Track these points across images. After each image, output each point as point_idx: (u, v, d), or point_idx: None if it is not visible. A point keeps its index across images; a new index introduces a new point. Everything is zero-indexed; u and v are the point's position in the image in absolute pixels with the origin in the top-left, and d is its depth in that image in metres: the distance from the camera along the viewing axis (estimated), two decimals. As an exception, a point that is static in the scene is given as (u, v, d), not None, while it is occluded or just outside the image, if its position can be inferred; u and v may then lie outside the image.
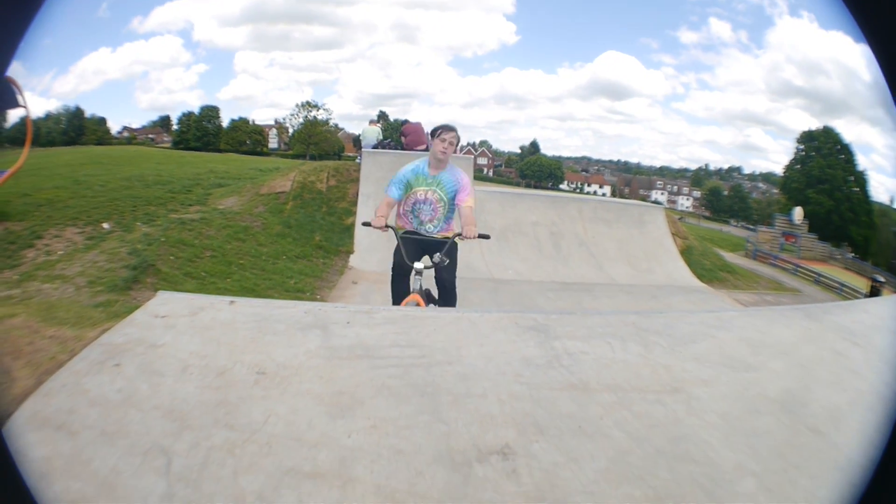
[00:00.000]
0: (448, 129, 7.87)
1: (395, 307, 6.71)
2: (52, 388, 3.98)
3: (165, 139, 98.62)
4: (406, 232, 8.20)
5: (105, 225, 14.92)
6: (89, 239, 13.97)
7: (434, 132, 8.03)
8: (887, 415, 2.64)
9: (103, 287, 10.65)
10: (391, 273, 8.34)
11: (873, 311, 8.24)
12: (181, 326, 5.03)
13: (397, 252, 8.00)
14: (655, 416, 4.51)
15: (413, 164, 8.20)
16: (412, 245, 8.00)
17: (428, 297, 7.99)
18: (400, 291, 8.19)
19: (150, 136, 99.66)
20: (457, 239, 7.71)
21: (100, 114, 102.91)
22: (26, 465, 2.65)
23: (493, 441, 3.89)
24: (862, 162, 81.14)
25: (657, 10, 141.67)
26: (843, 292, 31.25)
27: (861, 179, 76.40)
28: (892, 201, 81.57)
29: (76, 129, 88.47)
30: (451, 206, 8.08)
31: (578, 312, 7.32)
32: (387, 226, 7.65)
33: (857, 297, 29.10)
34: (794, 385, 5.39)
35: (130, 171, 23.99)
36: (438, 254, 7.53)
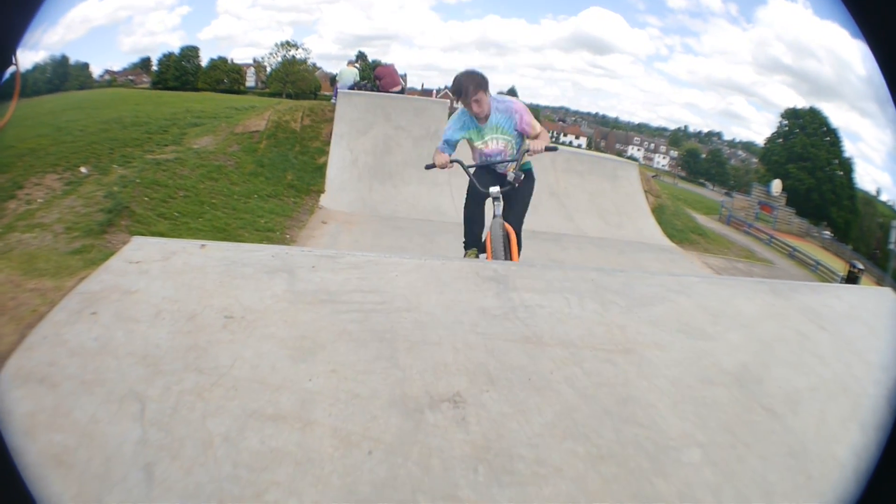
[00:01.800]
0: (471, 86, 7.65)
1: (359, 252, 6.64)
2: (33, 341, 4.10)
3: (145, 80, 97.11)
4: (476, 165, 8.27)
5: (83, 169, 14.89)
6: (68, 185, 13.94)
7: (459, 93, 7.74)
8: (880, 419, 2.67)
9: (80, 232, 10.71)
10: (465, 201, 8.70)
11: (846, 299, 7.94)
12: (154, 272, 5.16)
13: (471, 185, 8.26)
14: (605, 375, 4.62)
15: (456, 120, 8.18)
16: (484, 174, 8.28)
17: (506, 238, 7.98)
18: (475, 217, 8.61)
19: (131, 77, 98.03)
20: (526, 155, 7.75)
21: (84, 60, 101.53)
22: (10, 424, 2.85)
23: (445, 389, 4.05)
24: (849, 149, 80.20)
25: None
26: (818, 270, 31.08)
27: (846, 165, 75.24)
28: (878, 193, 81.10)
29: (60, 76, 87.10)
30: (520, 137, 8.01)
31: (539, 265, 7.24)
32: (452, 161, 7.94)
33: (832, 278, 29.50)
34: (751, 360, 5.40)
35: (109, 114, 23.69)
36: (511, 173, 7.80)
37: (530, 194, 8.48)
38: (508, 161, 8.02)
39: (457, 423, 3.81)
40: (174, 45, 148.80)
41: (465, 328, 4.93)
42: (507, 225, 7.97)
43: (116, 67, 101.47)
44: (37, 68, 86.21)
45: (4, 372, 3.71)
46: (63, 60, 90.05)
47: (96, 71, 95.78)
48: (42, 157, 15.52)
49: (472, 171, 8.12)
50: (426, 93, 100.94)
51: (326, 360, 4.18)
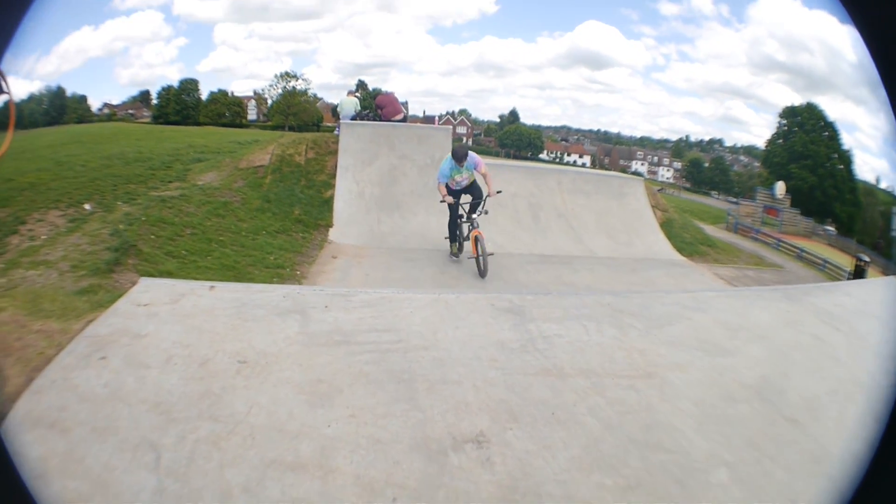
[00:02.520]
0: (458, 155, 13.73)
1: (371, 289, 6.77)
2: (42, 385, 4.04)
3: (145, 114, 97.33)
4: (454, 192, 13.93)
5: (86, 206, 14.81)
6: (72, 221, 13.83)
7: (458, 157, 13.67)
8: (878, 406, 2.61)
9: (86, 271, 10.59)
10: (450, 215, 14.43)
11: (856, 295, 8.20)
12: (163, 315, 5.09)
13: (453, 205, 14.04)
14: (628, 403, 4.55)
15: (446, 165, 13.68)
16: (457, 195, 13.95)
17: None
18: (454, 220, 14.46)
19: (130, 111, 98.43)
20: (487, 198, 13.95)
21: (81, 92, 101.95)
22: (25, 465, 2.75)
23: (468, 429, 3.97)
24: (847, 140, 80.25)
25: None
26: (826, 269, 30.77)
27: (846, 158, 75.15)
28: (878, 181, 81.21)
29: (58, 108, 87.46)
30: (472, 173, 13.94)
31: (554, 293, 7.26)
32: (450, 195, 13.80)
33: (840, 275, 29.35)
34: (770, 372, 5.39)
35: (111, 149, 23.64)
36: (479, 207, 13.95)
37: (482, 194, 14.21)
38: (473, 199, 14.25)
39: (482, 464, 3.72)
40: (173, 77, 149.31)
41: (484, 364, 4.85)
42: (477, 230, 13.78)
43: (115, 101, 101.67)
44: (32, 98, 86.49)
45: (14, 414, 3.64)
46: (59, 92, 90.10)
47: (95, 104, 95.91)
48: (43, 193, 15.42)
49: (451, 198, 13.88)
50: (428, 119, 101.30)
51: (345, 405, 4.09)
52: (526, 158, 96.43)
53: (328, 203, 17.93)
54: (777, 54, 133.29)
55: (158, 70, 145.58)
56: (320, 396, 4.14)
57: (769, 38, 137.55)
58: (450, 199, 13.64)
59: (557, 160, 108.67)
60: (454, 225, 14.56)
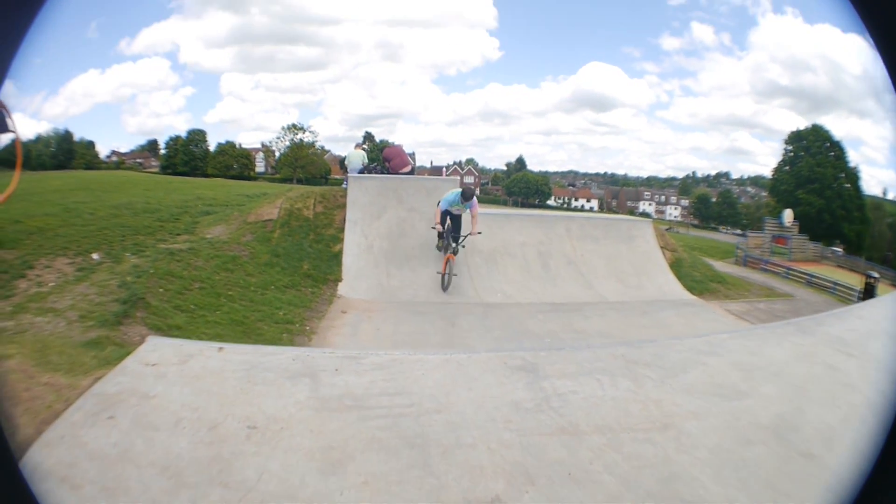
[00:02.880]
0: (465, 196, 16.84)
1: (382, 350, 6.73)
2: (51, 438, 4.03)
3: (153, 163, 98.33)
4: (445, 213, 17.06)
5: (94, 256, 14.80)
6: (80, 270, 13.85)
7: (466, 196, 16.78)
8: (882, 422, 2.57)
9: (94, 322, 10.56)
10: (444, 225, 17.17)
11: (868, 316, 8.30)
12: (172, 376, 5.06)
13: (444, 221, 17.11)
14: (645, 457, 4.49)
15: (452, 196, 16.86)
16: (445, 216, 17.02)
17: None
18: (445, 229, 17.25)
19: (139, 160, 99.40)
20: (470, 235, 17.07)
21: (89, 137, 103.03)
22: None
23: (484, 494, 3.90)
24: (853, 157, 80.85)
25: (638, 18, 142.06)
26: (836, 292, 30.70)
27: (852, 175, 75.95)
28: (884, 193, 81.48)
29: (65, 152, 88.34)
30: (467, 211, 17.03)
31: (567, 348, 7.24)
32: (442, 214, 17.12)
33: (851, 295, 29.29)
34: (786, 409, 5.36)
35: (119, 199, 23.77)
36: (461, 240, 17.13)
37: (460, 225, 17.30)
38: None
39: (499, 531, 3.66)
40: (180, 127, 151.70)
41: (498, 426, 4.78)
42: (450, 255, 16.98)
43: (124, 149, 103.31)
44: (40, 140, 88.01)
45: (24, 463, 3.53)
46: (67, 136, 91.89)
47: (103, 151, 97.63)
48: (51, 239, 15.44)
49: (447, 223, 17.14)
50: (436, 170, 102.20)
51: (357, 472, 4.03)
52: (534, 206, 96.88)
53: (337, 257, 18.05)
54: (780, 78, 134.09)
55: (166, 119, 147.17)
56: (332, 463, 4.08)
57: (771, 62, 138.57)
58: (440, 227, 17.20)
59: (565, 205, 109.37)
60: (442, 234, 17.57)
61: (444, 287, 16.99)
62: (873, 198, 78.41)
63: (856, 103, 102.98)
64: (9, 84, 2.39)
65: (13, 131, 13.78)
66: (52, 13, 2.45)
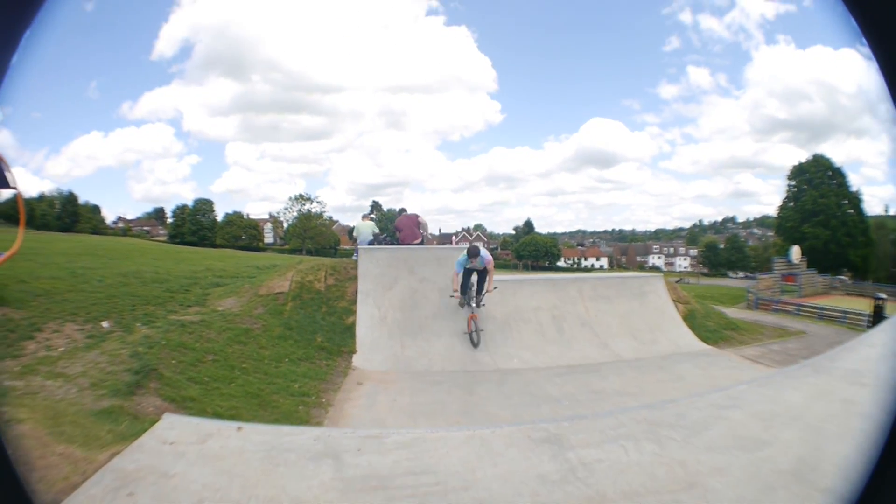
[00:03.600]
0: (471, 253, 17.45)
1: (405, 429, 6.72)
2: None
3: (161, 232, 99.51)
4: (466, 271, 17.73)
5: (104, 324, 14.78)
6: (89, 337, 13.80)
7: (473, 254, 17.42)
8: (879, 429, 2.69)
9: (106, 391, 10.49)
10: (461, 281, 17.85)
11: (879, 342, 8.46)
12: (191, 455, 5.02)
13: (465, 277, 17.86)
14: None
15: (462, 258, 17.56)
16: (469, 273, 17.87)
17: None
18: (466, 286, 18.10)
19: (146, 228, 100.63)
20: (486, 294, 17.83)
21: (93, 201, 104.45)
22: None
23: (517, 571, 3.83)
24: (853, 180, 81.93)
25: (635, 68, 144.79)
26: (846, 321, 31.10)
27: (855, 200, 77.69)
28: (886, 209, 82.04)
29: (70, 215, 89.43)
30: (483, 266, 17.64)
31: (590, 415, 7.22)
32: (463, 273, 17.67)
33: (860, 321, 29.63)
34: (805, 451, 5.44)
35: (127, 266, 23.99)
36: (482, 295, 17.96)
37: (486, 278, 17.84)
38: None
39: None
40: (186, 195, 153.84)
41: (526, 500, 4.73)
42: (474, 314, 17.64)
43: (130, 215, 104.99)
44: (43, 199, 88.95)
45: None
46: (72, 198, 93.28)
47: (109, 216, 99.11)
48: (59, 303, 15.45)
49: (461, 279, 17.77)
50: (444, 237, 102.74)
51: (389, 555, 3.94)
52: (544, 268, 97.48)
53: (350, 329, 18.09)
54: (778, 112, 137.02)
55: (172, 187, 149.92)
56: (362, 553, 4.00)
57: (768, 96, 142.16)
58: (457, 294, 17.80)
59: (575, 266, 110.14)
60: (464, 287, 18.14)
61: (475, 344, 17.45)
62: (876, 217, 79.42)
63: (852, 123, 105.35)
64: (8, 136, 2.36)
65: (14, 187, 13.78)
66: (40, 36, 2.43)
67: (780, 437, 5.82)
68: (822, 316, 32.85)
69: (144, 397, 10.62)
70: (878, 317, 27.85)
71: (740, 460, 5.36)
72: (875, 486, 2.57)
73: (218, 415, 10.09)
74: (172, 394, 10.98)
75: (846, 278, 59.40)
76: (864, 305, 32.77)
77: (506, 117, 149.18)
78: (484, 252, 17.80)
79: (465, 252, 17.61)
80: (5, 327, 13.15)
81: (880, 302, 29.20)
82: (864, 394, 6.45)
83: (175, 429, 5.47)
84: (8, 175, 12.28)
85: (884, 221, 78.98)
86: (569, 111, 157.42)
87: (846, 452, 5.02)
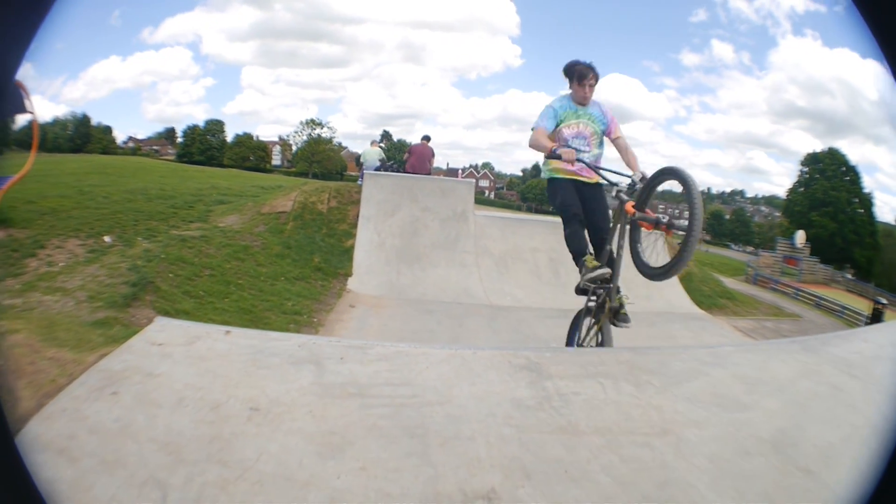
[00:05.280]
0: (588, 69, 7.91)
1: (388, 342, 6.62)
2: (52, 411, 4.06)
3: (170, 151, 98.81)
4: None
5: (106, 238, 14.95)
6: (91, 252, 14.01)
7: (572, 73, 7.95)
8: (883, 445, 2.59)
9: (103, 303, 10.67)
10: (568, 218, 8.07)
11: (873, 340, 8.12)
12: (177, 356, 5.09)
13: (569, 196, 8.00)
14: (643, 460, 4.50)
15: (556, 100, 8.04)
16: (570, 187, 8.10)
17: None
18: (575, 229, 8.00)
19: (155, 147, 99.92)
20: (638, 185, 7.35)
21: (106, 122, 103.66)
22: (40, 478, 2.75)
23: (480, 486, 3.90)
24: (867, 182, 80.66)
25: (659, 34, 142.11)
26: (844, 315, 31.18)
27: (866, 201, 76.45)
28: None
29: (82, 136, 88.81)
30: (602, 139, 8.22)
31: (572, 350, 7.27)
32: (578, 160, 7.59)
33: (858, 320, 29.56)
34: (787, 424, 5.36)
35: (134, 184, 24.10)
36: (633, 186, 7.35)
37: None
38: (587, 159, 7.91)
39: (491, 522, 3.68)
40: (199, 117, 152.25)
41: (498, 421, 4.79)
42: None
43: (141, 135, 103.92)
44: (57, 123, 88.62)
45: (23, 435, 3.62)
46: (85, 120, 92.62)
47: (120, 136, 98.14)
48: (64, 220, 15.64)
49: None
50: (451, 172, 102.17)
51: (356, 457, 4.04)
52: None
53: (348, 252, 18.18)
54: (798, 100, 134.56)
55: (185, 109, 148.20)
56: (331, 448, 4.09)
57: (790, 83, 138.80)
58: (571, 157, 7.41)
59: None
60: (578, 236, 8.07)
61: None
62: (886, 224, 78.30)
63: (872, 129, 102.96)
64: (28, 66, 2.42)
65: (31, 112, 13.80)
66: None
67: (761, 403, 5.78)
68: (820, 305, 32.94)
69: (139, 309, 10.77)
70: (875, 320, 27.49)
71: (719, 418, 5.36)
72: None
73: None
74: (167, 307, 11.16)
75: (849, 275, 59.00)
76: (863, 305, 32.88)
77: (525, 62, 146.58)
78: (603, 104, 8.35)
79: (558, 96, 8.21)
80: (9, 247, 13.28)
81: (880, 306, 28.82)
82: (855, 386, 6.38)
83: (165, 331, 5.52)
84: (27, 102, 12.30)
85: (893, 231, 78.00)
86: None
87: (831, 438, 5.09)
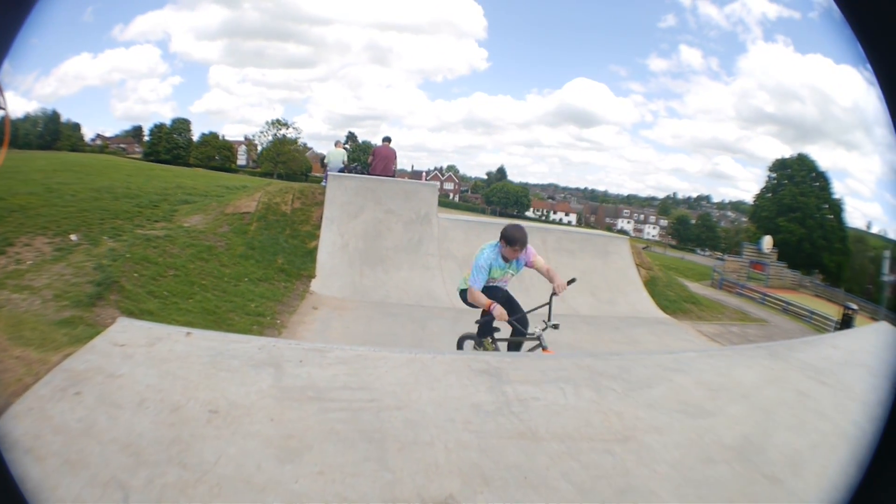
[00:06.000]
0: (521, 241, 8.72)
1: (348, 346, 6.68)
2: (19, 411, 4.10)
3: (137, 149, 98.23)
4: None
5: (73, 237, 14.88)
6: (58, 250, 13.93)
7: (508, 238, 8.74)
8: (858, 452, 2.63)
9: (68, 302, 10.66)
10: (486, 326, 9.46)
11: (843, 346, 8.26)
12: (139, 357, 5.11)
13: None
14: (604, 467, 4.52)
15: (486, 255, 8.95)
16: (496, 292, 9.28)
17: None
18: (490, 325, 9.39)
19: (122, 145, 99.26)
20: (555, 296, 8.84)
21: (76, 119, 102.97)
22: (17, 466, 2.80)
23: (438, 492, 3.93)
24: (837, 188, 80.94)
25: (627, 38, 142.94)
26: (812, 321, 31.05)
27: (836, 207, 76.48)
28: (868, 226, 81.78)
29: (52, 133, 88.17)
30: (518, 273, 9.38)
31: (532, 355, 7.31)
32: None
33: (827, 325, 29.56)
34: (752, 430, 5.38)
35: (101, 182, 23.92)
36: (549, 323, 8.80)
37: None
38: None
39: (448, 529, 3.71)
40: (166, 115, 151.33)
41: (457, 426, 4.82)
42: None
43: (108, 133, 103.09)
44: (28, 119, 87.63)
45: None
46: (55, 116, 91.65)
47: (88, 134, 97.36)
48: (32, 218, 15.53)
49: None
50: (415, 174, 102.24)
51: (314, 461, 4.08)
52: (512, 216, 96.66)
53: (312, 254, 18.17)
54: (766, 106, 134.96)
55: (152, 107, 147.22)
56: (290, 451, 4.13)
57: (759, 89, 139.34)
58: (503, 318, 8.49)
59: (543, 218, 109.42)
60: (488, 328, 9.46)
61: None
62: (856, 230, 78.77)
63: (843, 135, 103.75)
64: (5, 64, 2.44)
65: (3, 109, 13.66)
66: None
67: (725, 410, 5.81)
68: (787, 310, 32.79)
69: (104, 309, 10.76)
70: (845, 326, 27.53)
71: (681, 424, 5.36)
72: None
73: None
74: (131, 306, 11.14)
75: (818, 280, 59.31)
76: (831, 310, 32.84)
77: (491, 65, 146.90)
78: (530, 247, 9.22)
79: (489, 245, 9.16)
80: (-22, 245, 13.23)
81: (850, 312, 28.93)
82: (823, 392, 6.42)
83: (127, 332, 5.52)
84: (0, 99, 12.17)
85: (863, 237, 78.41)
86: (554, 68, 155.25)
87: (798, 445, 5.13)
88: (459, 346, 10.25)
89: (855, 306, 30.78)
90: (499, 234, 8.83)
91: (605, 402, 5.63)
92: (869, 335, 9.35)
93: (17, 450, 3.57)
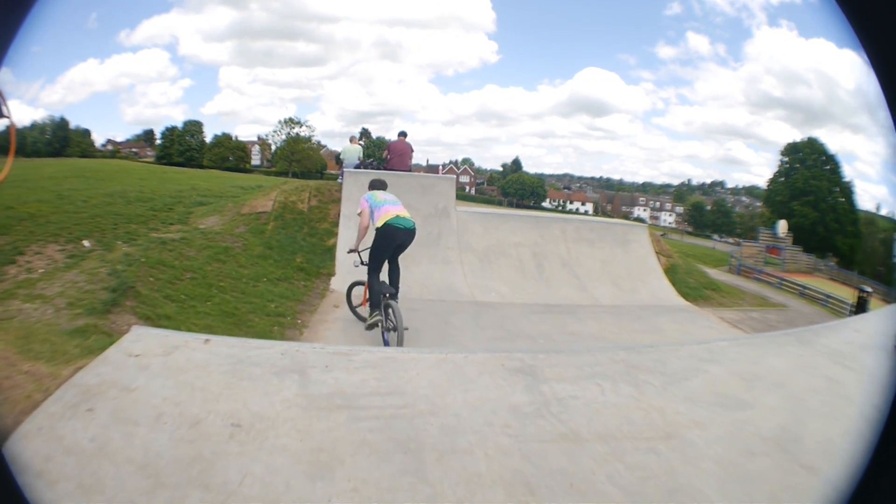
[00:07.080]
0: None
1: (375, 348, 6.56)
2: (28, 430, 3.91)
3: (149, 153, 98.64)
4: None
5: (86, 243, 14.73)
6: (70, 257, 13.77)
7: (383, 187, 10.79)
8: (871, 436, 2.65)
9: (82, 310, 10.44)
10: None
11: (863, 330, 8.25)
12: (155, 368, 4.90)
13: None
14: (650, 467, 4.37)
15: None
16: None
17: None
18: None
19: (134, 149, 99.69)
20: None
21: (85, 125, 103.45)
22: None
23: (481, 504, 3.73)
24: (847, 171, 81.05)
25: (634, 27, 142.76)
26: (828, 304, 31.14)
27: (847, 189, 76.62)
28: (878, 209, 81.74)
29: (61, 140, 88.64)
30: None
31: (566, 350, 7.14)
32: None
33: (843, 308, 29.64)
34: (787, 420, 5.29)
35: (113, 187, 23.80)
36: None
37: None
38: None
39: (496, 546, 3.49)
40: (177, 118, 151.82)
41: (496, 430, 4.60)
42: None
43: (119, 138, 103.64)
44: (35, 127, 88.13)
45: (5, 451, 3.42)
46: (63, 123, 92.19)
47: (98, 139, 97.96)
48: (43, 225, 15.40)
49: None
50: (431, 168, 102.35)
51: (346, 477, 3.83)
52: (529, 207, 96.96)
53: (331, 251, 17.98)
54: (774, 90, 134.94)
55: (163, 110, 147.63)
56: (320, 467, 3.89)
57: (766, 74, 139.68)
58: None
59: (560, 208, 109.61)
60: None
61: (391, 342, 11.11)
62: (867, 213, 78.72)
63: (849, 118, 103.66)
64: (5, 71, 2.29)
65: (8, 117, 13.59)
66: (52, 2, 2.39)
67: (761, 400, 5.75)
68: (804, 294, 32.88)
69: (120, 315, 10.56)
70: (860, 308, 27.41)
71: (721, 417, 5.28)
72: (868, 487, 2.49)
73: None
74: (148, 312, 10.94)
75: (833, 263, 59.29)
76: (847, 294, 32.75)
77: (502, 58, 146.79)
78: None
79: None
80: (-12, 254, 13.10)
81: (865, 295, 28.71)
82: (849, 378, 6.44)
83: (142, 341, 5.35)
84: (4, 107, 12.11)
85: (873, 219, 78.39)
86: (564, 59, 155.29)
87: (831, 433, 5.02)
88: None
89: (869, 289, 30.74)
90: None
91: (645, 397, 5.52)
92: (885, 317, 9.38)
93: (28, 473, 3.36)
